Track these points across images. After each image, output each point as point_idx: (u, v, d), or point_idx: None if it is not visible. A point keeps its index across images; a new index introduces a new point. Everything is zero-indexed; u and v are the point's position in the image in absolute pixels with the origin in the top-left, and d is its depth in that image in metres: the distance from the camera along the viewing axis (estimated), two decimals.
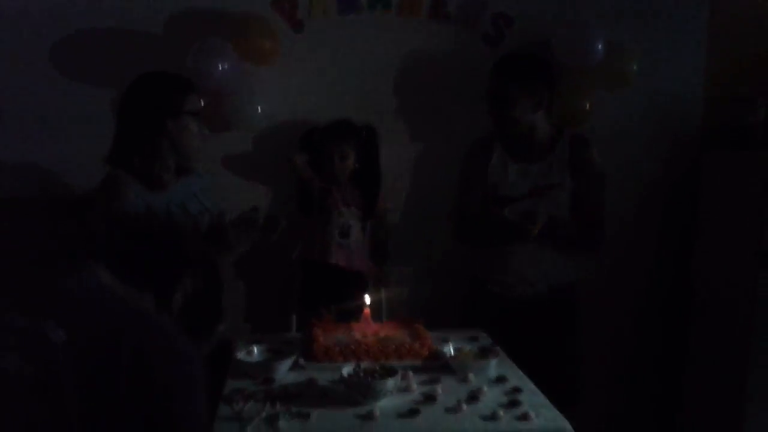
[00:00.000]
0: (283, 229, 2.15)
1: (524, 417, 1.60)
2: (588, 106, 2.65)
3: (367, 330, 2.09)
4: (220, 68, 2.43)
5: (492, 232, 2.39)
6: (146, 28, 2.59)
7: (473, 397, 1.71)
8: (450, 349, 1.95)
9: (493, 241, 2.42)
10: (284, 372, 1.85)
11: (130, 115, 2.04)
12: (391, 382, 1.67)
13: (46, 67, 2.57)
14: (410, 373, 1.80)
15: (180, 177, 2.13)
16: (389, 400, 1.67)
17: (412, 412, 1.62)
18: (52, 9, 2.55)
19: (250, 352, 1.95)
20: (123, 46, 2.58)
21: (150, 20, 2.59)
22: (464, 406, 1.65)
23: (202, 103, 2.16)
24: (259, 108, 2.57)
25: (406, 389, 1.74)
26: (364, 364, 1.77)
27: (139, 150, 2.01)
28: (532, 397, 1.72)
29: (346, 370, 1.73)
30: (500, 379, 1.83)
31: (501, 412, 1.61)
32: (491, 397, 1.72)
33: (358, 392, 1.67)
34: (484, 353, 1.94)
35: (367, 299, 2.18)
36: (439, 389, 1.74)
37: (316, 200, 2.53)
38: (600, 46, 2.55)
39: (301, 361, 1.92)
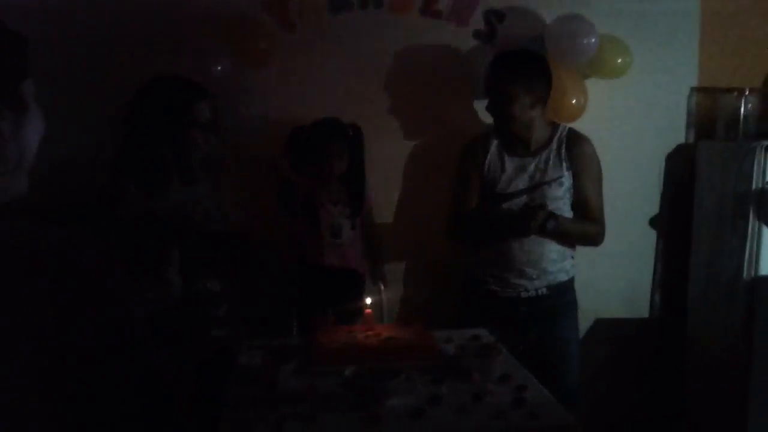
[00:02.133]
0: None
1: (531, 415, 1.59)
2: (582, 100, 2.65)
3: (369, 331, 2.08)
4: (214, 70, 2.41)
5: (490, 228, 2.39)
6: (140, 30, 2.56)
7: (478, 396, 1.70)
8: (451, 348, 1.94)
9: (491, 236, 2.41)
10: (287, 376, 1.84)
11: (136, 121, 2.01)
12: (395, 384, 1.66)
13: (42, 69, 2.53)
14: (414, 374, 1.80)
15: (185, 184, 2.11)
16: (394, 401, 1.66)
17: (418, 413, 1.61)
18: (45, 11, 2.50)
19: (252, 357, 1.93)
20: (117, 49, 2.55)
21: (144, 22, 2.56)
22: (470, 406, 1.64)
23: (210, 112, 2.10)
24: (251, 109, 2.55)
25: (410, 390, 1.73)
26: (368, 366, 1.76)
27: (143, 158, 1.99)
28: (538, 395, 1.71)
29: (350, 372, 1.72)
30: (505, 378, 1.82)
31: (507, 411, 1.60)
32: (497, 395, 1.71)
33: (362, 394, 1.66)
34: (487, 352, 1.93)
35: (368, 300, 2.17)
36: (443, 389, 1.73)
37: (300, 201, 2.51)
38: (593, 41, 2.55)
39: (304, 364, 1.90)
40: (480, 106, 2.52)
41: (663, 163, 2.89)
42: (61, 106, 2.52)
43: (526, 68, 2.33)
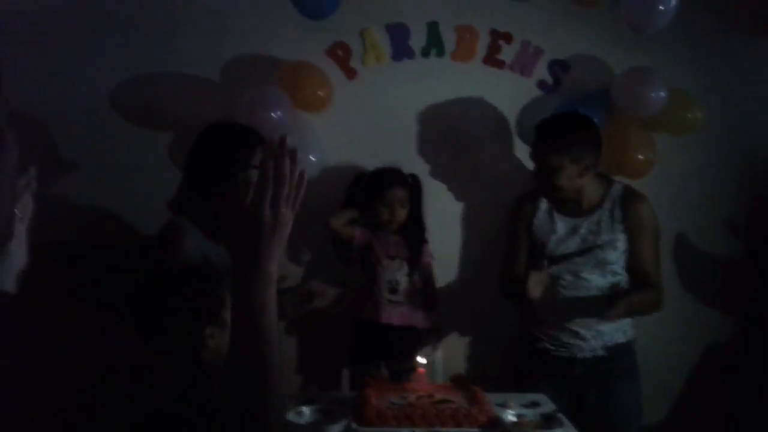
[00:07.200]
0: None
1: None
2: (650, 155, 2.55)
3: (421, 391, 1.99)
4: (273, 116, 2.41)
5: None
6: (203, 73, 2.60)
7: None
8: (509, 415, 1.84)
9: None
10: None
11: (200, 165, 2.02)
12: None
13: (107, 111, 2.59)
14: None
15: None
16: None
17: None
18: (113, 53, 2.57)
19: (300, 413, 1.87)
20: (180, 91, 2.59)
21: (207, 66, 2.60)
22: None
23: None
24: (311, 156, 2.53)
25: None
26: (419, 430, 1.68)
27: (209, 200, 1.99)
28: None
29: None
30: None
31: None
32: None
33: None
34: (547, 422, 1.82)
35: (421, 359, 2.09)
36: None
37: (356, 256, 2.47)
38: (662, 94, 2.45)
39: (353, 425, 1.83)
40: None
41: (736, 223, 2.73)
42: (123, 148, 2.58)
43: (571, 136, 2.18)
